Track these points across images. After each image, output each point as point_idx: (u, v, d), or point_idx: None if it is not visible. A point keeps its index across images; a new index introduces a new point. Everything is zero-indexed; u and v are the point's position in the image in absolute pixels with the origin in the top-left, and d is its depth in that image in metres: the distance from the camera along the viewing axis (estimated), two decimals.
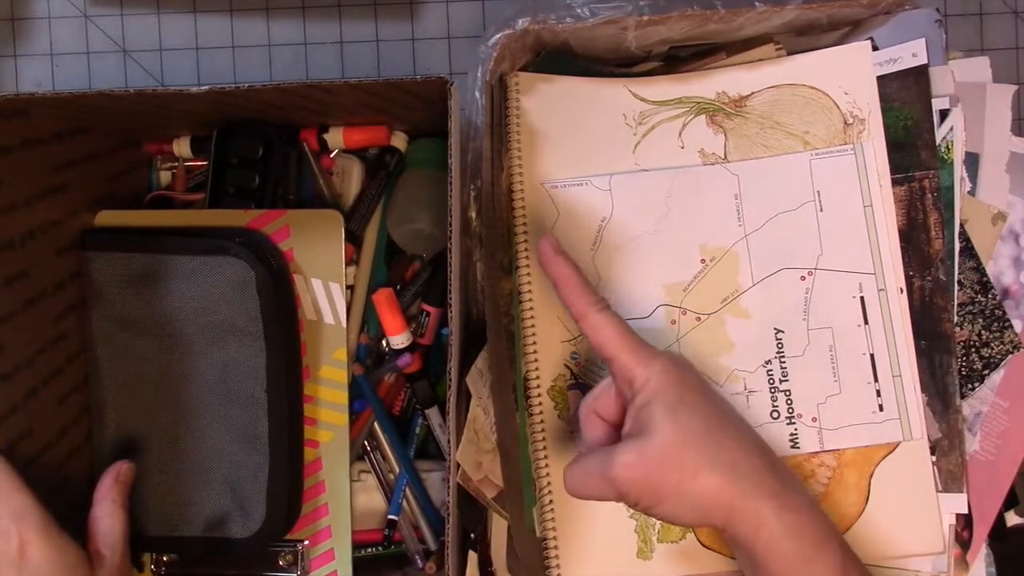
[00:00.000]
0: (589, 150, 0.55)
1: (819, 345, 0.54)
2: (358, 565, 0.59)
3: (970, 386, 0.54)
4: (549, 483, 0.52)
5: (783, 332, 0.54)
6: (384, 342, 0.61)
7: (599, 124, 0.55)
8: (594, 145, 0.55)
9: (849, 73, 0.55)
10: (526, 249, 0.53)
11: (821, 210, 0.55)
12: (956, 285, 0.54)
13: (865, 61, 0.55)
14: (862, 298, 0.54)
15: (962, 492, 0.53)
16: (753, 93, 0.56)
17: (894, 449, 0.53)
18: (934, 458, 0.53)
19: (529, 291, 0.53)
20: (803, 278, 0.55)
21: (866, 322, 0.54)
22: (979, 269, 0.54)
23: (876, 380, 0.54)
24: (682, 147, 0.56)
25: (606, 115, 0.56)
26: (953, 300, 0.53)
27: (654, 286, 0.55)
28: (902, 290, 0.54)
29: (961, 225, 0.54)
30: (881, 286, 0.54)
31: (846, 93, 0.55)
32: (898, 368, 0.54)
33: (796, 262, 0.55)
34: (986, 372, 0.54)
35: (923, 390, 0.53)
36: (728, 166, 0.55)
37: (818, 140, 0.55)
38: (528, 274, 0.53)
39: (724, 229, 0.55)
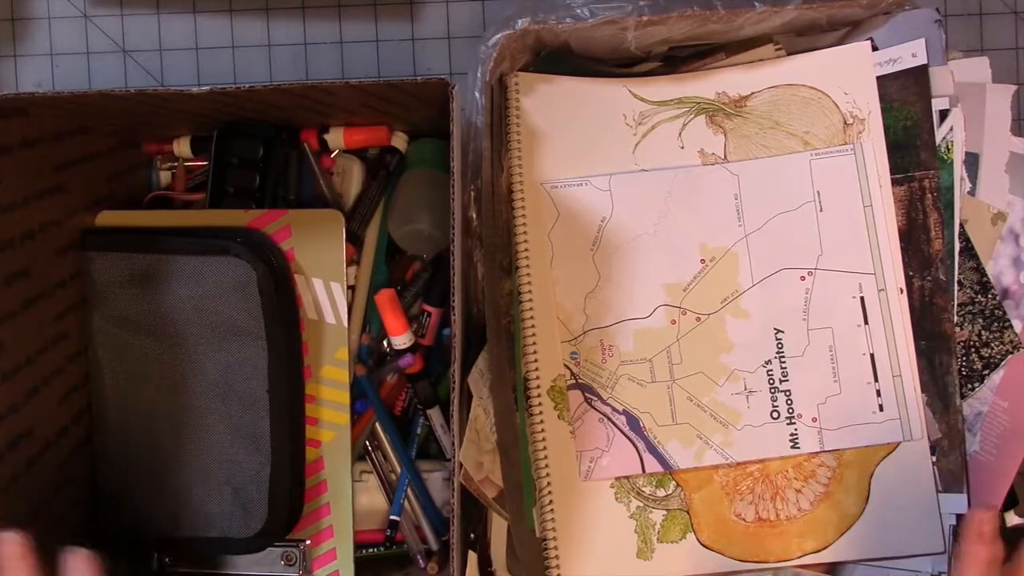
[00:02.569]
0: (589, 150, 0.55)
1: (819, 345, 0.54)
2: (360, 565, 0.59)
3: (970, 386, 0.54)
4: (549, 483, 0.52)
5: (783, 332, 0.54)
6: (385, 342, 0.61)
7: (599, 124, 0.56)
8: (594, 145, 0.55)
9: (849, 73, 0.55)
10: (526, 249, 0.53)
11: (821, 210, 0.55)
12: (956, 285, 0.54)
13: (865, 61, 0.55)
14: (862, 298, 0.54)
15: (962, 492, 0.53)
16: (753, 93, 0.56)
17: (894, 449, 0.53)
18: (934, 458, 0.53)
19: (529, 291, 0.53)
20: (803, 278, 0.55)
21: (866, 322, 0.54)
22: (979, 269, 0.54)
23: (876, 380, 0.54)
24: (682, 147, 0.56)
25: (606, 115, 0.56)
26: (953, 300, 0.53)
27: (654, 286, 0.55)
28: (902, 290, 0.54)
29: (961, 225, 0.54)
30: (881, 286, 0.54)
31: (846, 93, 0.55)
32: (898, 368, 0.54)
33: (796, 262, 0.55)
34: (986, 372, 0.54)
35: (923, 390, 0.53)
36: (728, 166, 0.55)
37: (818, 140, 0.55)
38: (528, 274, 0.53)
39: (724, 229, 0.55)
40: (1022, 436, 0.54)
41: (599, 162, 0.55)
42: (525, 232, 0.53)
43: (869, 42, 0.55)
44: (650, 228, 0.55)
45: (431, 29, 0.66)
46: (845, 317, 0.54)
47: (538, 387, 0.53)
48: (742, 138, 0.56)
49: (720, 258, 0.55)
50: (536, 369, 0.53)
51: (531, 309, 0.53)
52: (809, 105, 0.55)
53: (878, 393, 0.54)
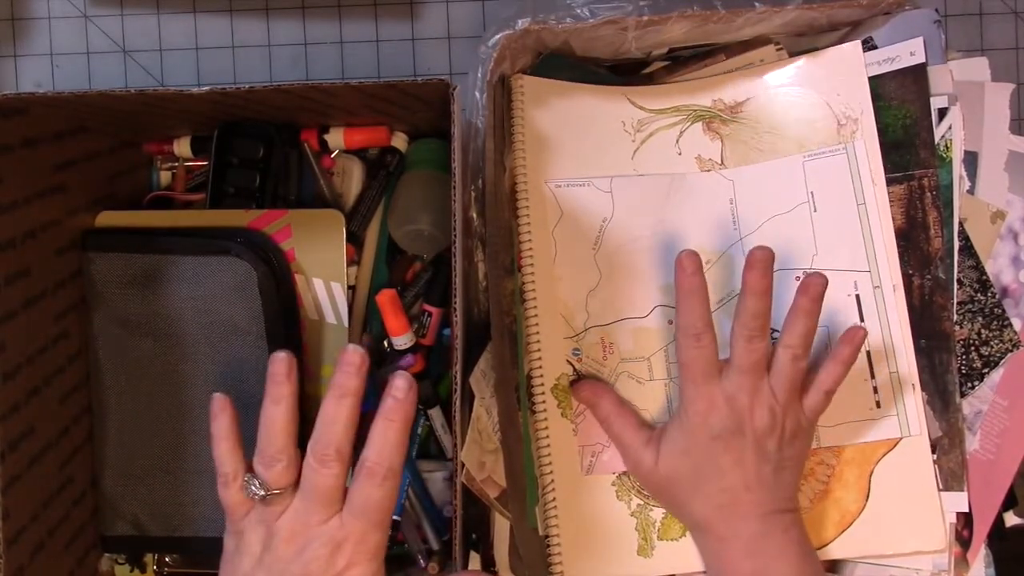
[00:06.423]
0: (590, 154, 0.56)
1: (815, 343, 0.54)
2: None
3: (970, 385, 0.54)
4: (552, 480, 0.52)
5: (779, 332, 0.54)
6: (386, 343, 0.61)
7: (599, 131, 0.56)
8: (595, 150, 0.56)
9: (841, 74, 0.55)
10: (530, 248, 0.53)
11: (815, 211, 0.55)
12: (955, 284, 0.54)
13: (856, 61, 0.55)
14: (857, 296, 0.54)
15: (963, 490, 0.53)
16: (748, 99, 0.56)
17: (894, 446, 0.54)
18: (935, 456, 0.53)
19: (533, 290, 0.53)
20: (798, 278, 0.55)
21: (862, 319, 0.54)
22: (978, 267, 0.54)
23: (873, 377, 0.54)
24: (679, 154, 0.56)
25: (606, 123, 0.56)
26: (953, 299, 0.54)
27: (653, 287, 0.55)
28: (896, 287, 0.54)
29: (960, 224, 0.54)
30: (876, 283, 0.54)
31: (838, 94, 0.55)
32: (895, 365, 0.54)
33: (791, 263, 0.55)
34: (986, 371, 0.54)
35: (923, 388, 0.54)
36: (723, 172, 0.56)
37: (812, 142, 0.55)
38: (532, 273, 0.53)
39: (720, 234, 0.56)
40: (1022, 435, 0.54)
41: (600, 165, 0.56)
42: (529, 230, 0.53)
43: (860, 42, 0.55)
44: (648, 231, 0.55)
45: (431, 29, 0.66)
46: (841, 315, 0.54)
47: (542, 384, 0.53)
48: (738, 143, 0.56)
49: (716, 261, 0.55)
50: (540, 367, 0.53)
51: (535, 307, 0.53)
52: (803, 108, 0.56)
53: (875, 390, 0.54)
